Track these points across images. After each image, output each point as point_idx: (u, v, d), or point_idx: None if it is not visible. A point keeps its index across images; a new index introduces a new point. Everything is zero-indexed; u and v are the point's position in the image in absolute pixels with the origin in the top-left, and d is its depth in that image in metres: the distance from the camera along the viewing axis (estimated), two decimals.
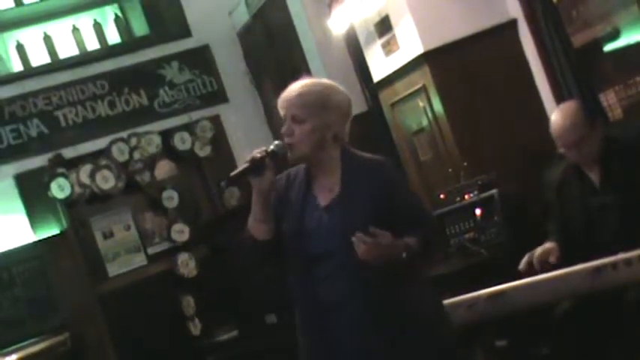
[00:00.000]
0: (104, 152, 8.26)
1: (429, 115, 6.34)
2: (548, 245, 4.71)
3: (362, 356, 3.52)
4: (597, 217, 4.70)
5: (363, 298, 3.48)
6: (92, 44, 8.75)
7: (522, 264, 4.69)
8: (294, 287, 3.67)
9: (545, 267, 4.58)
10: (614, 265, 4.20)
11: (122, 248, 8.43)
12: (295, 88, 3.63)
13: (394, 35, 6.45)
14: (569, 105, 4.86)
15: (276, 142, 3.59)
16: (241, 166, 3.54)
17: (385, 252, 3.36)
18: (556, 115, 4.78)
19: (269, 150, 3.54)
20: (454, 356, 3.65)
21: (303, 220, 3.60)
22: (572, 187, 4.81)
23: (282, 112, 3.63)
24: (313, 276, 3.57)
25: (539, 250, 4.69)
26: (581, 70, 5.88)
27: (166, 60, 8.80)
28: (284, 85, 3.74)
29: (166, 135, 8.47)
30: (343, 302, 3.51)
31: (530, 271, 4.63)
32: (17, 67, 8.55)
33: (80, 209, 8.25)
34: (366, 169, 3.60)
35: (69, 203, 8.06)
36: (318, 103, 3.57)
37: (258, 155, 3.52)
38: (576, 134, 4.65)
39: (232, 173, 3.53)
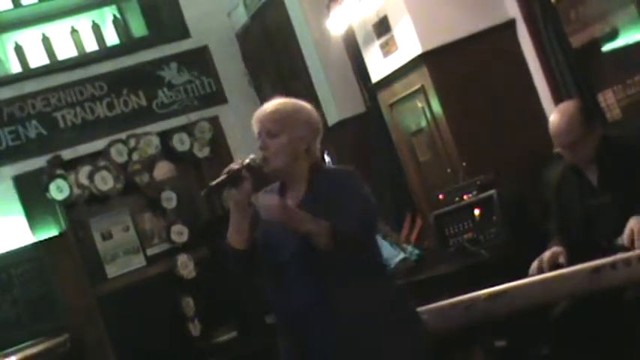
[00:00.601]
0: (103, 153, 8.26)
1: (428, 115, 6.34)
2: (555, 249, 4.69)
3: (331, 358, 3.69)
4: (596, 216, 4.71)
5: (326, 303, 3.63)
6: (91, 45, 8.75)
7: (533, 270, 4.68)
8: (268, 293, 3.83)
9: (556, 269, 4.57)
10: (613, 265, 4.20)
11: (121, 249, 8.43)
12: (268, 105, 3.83)
13: (393, 36, 6.45)
14: (568, 105, 4.86)
15: (252, 155, 3.75)
16: (220, 177, 3.69)
17: (282, 214, 3.52)
18: (554, 115, 4.80)
19: (245, 162, 3.70)
20: (421, 357, 3.77)
21: (273, 228, 3.72)
22: (571, 187, 4.81)
23: (256, 129, 3.80)
24: (283, 282, 3.73)
25: (547, 254, 4.67)
26: (580, 70, 5.88)
27: (165, 61, 8.81)
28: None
29: (165, 136, 8.48)
30: (308, 306, 3.65)
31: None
32: (16, 68, 8.55)
33: (79, 210, 8.25)
34: (330, 179, 3.77)
35: (68, 204, 8.06)
36: (291, 117, 3.77)
37: (235, 167, 3.69)
38: (572, 136, 4.66)
39: (211, 184, 3.69)
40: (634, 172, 4.56)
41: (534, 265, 4.67)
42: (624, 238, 4.32)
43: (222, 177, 3.69)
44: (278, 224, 3.61)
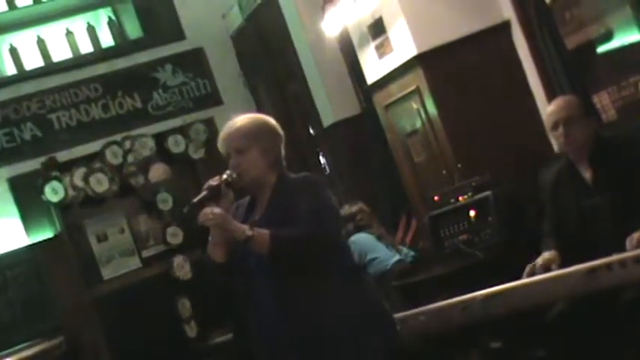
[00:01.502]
0: (98, 155, 8.26)
1: (423, 116, 6.34)
2: (547, 255, 4.68)
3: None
4: (591, 217, 4.70)
5: (290, 305, 3.77)
6: (86, 47, 8.76)
7: (525, 275, 4.66)
8: (240, 299, 4.02)
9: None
10: (608, 266, 4.21)
11: (116, 251, 8.42)
12: (230, 125, 4.00)
13: (388, 37, 6.45)
14: (567, 95, 4.95)
15: (229, 171, 3.92)
16: (201, 193, 3.88)
17: (217, 223, 3.77)
18: (552, 103, 4.88)
19: (223, 178, 3.88)
20: (390, 358, 3.88)
21: None
22: (567, 188, 4.81)
23: (223, 150, 3.98)
24: (250, 286, 3.90)
25: (540, 261, 4.66)
26: (575, 71, 5.89)
27: (160, 63, 8.81)
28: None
29: (160, 138, 8.48)
30: (274, 309, 3.80)
31: None
32: (11, 70, 8.55)
33: (74, 212, 8.25)
34: (294, 187, 3.89)
35: (63, 206, 8.06)
36: (256, 131, 3.94)
37: (214, 183, 3.88)
38: (567, 111, 4.70)
39: (193, 201, 3.89)
40: (628, 172, 4.56)
41: (527, 271, 4.67)
42: (628, 248, 4.30)
43: (203, 193, 3.87)
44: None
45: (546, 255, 4.68)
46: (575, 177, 4.77)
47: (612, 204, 4.59)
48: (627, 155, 4.62)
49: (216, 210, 3.75)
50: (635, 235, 4.27)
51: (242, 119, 4.00)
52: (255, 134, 3.92)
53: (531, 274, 4.63)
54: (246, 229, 3.71)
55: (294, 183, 3.91)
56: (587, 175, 4.73)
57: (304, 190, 3.84)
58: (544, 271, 4.59)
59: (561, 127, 4.70)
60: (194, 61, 8.91)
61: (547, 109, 4.89)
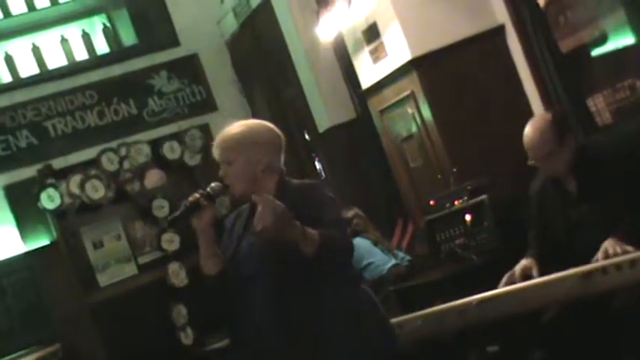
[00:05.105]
0: (94, 162, 8.23)
1: (418, 121, 6.35)
2: (525, 262, 4.69)
3: None
4: (576, 228, 4.68)
5: (288, 316, 3.71)
6: (81, 54, 8.77)
7: (503, 284, 4.67)
8: (233, 309, 3.94)
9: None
10: (604, 270, 4.21)
11: (112, 258, 8.38)
12: (221, 134, 3.94)
13: (382, 42, 6.46)
14: (541, 118, 4.81)
15: (213, 184, 3.89)
16: (179, 209, 3.87)
17: (279, 221, 3.44)
18: (527, 128, 4.76)
19: (204, 192, 3.86)
20: None
21: (240, 246, 3.89)
22: (552, 198, 4.80)
23: (217, 158, 3.93)
24: (246, 296, 3.83)
25: (518, 268, 4.68)
26: (569, 75, 5.90)
27: (155, 69, 8.82)
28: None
29: (156, 144, 8.46)
30: (271, 320, 3.73)
31: None
32: (6, 78, 8.56)
33: (70, 219, 8.21)
34: (295, 193, 3.80)
35: (59, 214, 8.03)
36: (241, 142, 3.86)
37: (191, 199, 3.85)
38: (544, 149, 4.65)
39: (171, 216, 3.92)
40: (612, 182, 4.54)
41: (505, 279, 4.68)
42: (599, 259, 4.31)
43: (181, 209, 3.85)
44: (250, 244, 3.79)
45: (524, 262, 4.69)
46: (560, 188, 4.76)
47: (598, 213, 4.57)
48: (610, 164, 4.59)
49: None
50: (603, 248, 4.29)
51: (232, 129, 3.92)
52: (241, 146, 3.85)
53: (510, 282, 4.65)
54: (298, 228, 3.48)
55: (298, 188, 3.86)
56: (571, 185, 4.71)
57: (318, 196, 3.79)
58: (523, 278, 4.60)
59: (541, 162, 4.69)
60: (189, 68, 8.92)
61: (525, 131, 4.73)
